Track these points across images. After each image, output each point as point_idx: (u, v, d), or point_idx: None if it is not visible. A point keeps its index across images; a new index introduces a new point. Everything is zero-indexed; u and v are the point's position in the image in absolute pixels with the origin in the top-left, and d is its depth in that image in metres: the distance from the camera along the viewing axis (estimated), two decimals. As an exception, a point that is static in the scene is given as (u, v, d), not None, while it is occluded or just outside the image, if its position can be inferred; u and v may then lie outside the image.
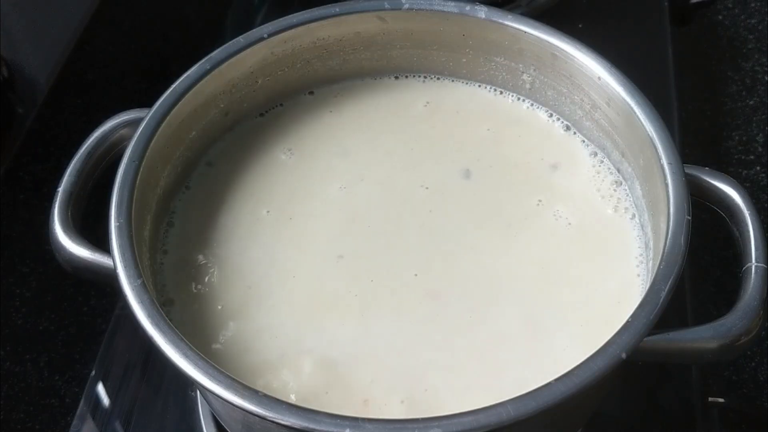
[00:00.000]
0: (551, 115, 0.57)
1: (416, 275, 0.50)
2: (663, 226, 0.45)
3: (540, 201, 0.53)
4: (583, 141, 0.56)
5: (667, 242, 0.44)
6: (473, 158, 0.55)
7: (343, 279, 0.50)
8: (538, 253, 0.51)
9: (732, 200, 0.48)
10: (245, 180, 0.55)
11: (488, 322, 0.48)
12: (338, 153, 0.56)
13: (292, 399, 0.45)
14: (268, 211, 0.53)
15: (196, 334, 0.48)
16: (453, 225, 0.52)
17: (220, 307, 0.49)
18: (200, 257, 0.51)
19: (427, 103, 0.59)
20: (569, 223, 0.52)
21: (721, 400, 0.61)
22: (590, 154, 0.56)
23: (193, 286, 0.50)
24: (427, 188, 0.54)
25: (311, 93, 0.59)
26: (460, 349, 0.47)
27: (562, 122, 0.57)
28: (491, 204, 0.53)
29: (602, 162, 0.55)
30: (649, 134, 0.48)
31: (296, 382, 0.46)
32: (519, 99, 0.58)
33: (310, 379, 0.46)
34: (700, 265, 0.67)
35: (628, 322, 0.41)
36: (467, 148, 0.56)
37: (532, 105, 0.58)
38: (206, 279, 0.50)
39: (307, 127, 0.57)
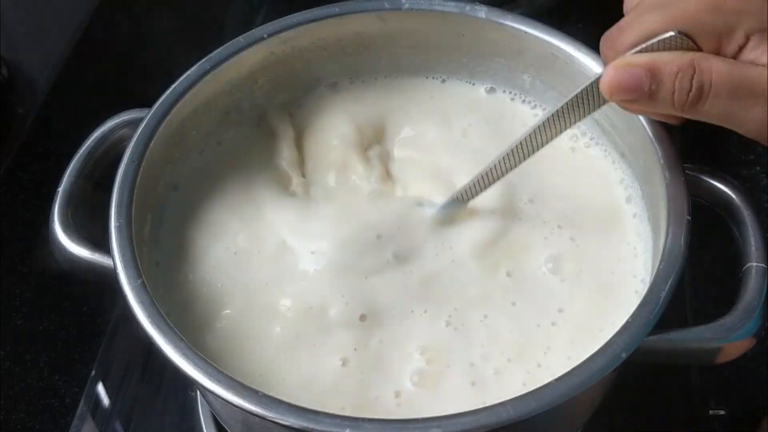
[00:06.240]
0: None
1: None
2: (663, 226, 0.45)
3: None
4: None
5: (667, 242, 0.44)
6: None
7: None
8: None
9: (732, 200, 0.48)
10: (269, 166, 0.55)
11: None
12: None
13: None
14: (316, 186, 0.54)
15: (197, 334, 0.48)
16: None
17: (224, 307, 0.49)
18: (200, 253, 0.51)
19: (432, 97, 0.59)
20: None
21: (722, 412, 0.60)
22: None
23: (195, 284, 0.50)
24: None
25: (312, 92, 0.59)
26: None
27: (562, 122, 0.57)
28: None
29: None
30: (649, 134, 0.48)
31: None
32: (519, 97, 0.58)
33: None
34: (700, 265, 0.66)
35: (628, 322, 0.41)
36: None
37: (532, 104, 0.58)
38: (208, 277, 0.50)
39: (326, 116, 0.58)
